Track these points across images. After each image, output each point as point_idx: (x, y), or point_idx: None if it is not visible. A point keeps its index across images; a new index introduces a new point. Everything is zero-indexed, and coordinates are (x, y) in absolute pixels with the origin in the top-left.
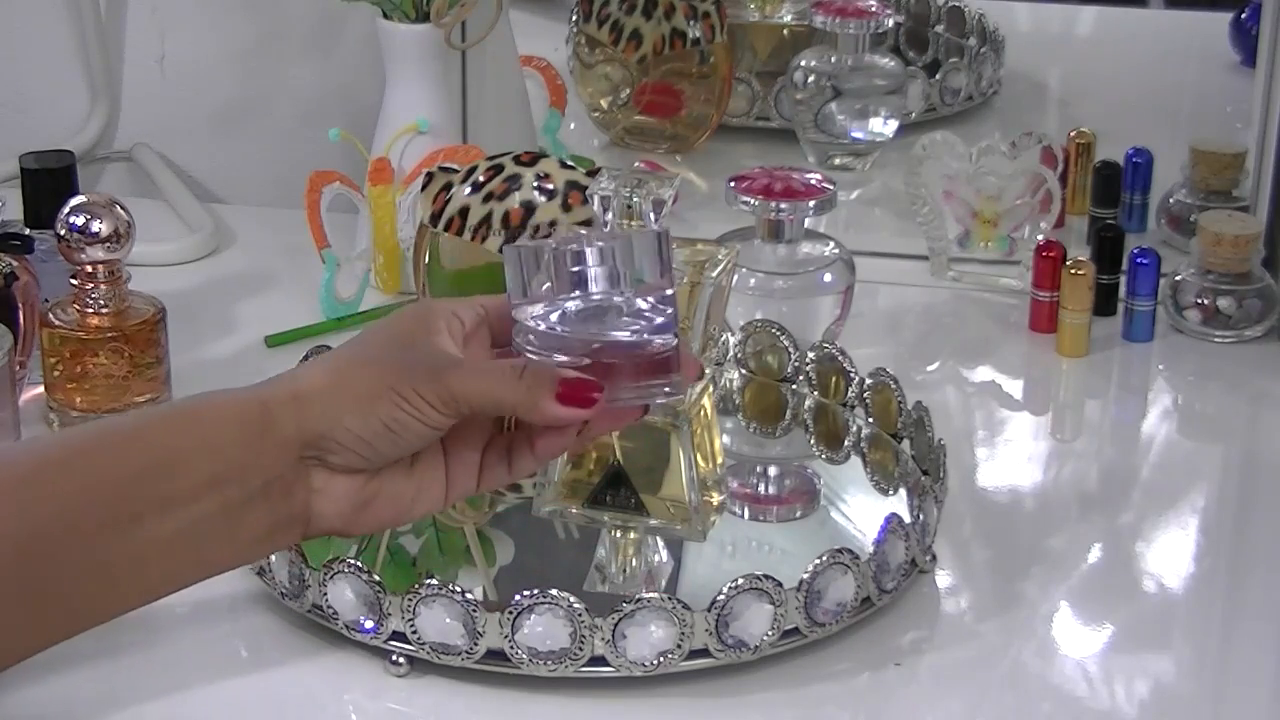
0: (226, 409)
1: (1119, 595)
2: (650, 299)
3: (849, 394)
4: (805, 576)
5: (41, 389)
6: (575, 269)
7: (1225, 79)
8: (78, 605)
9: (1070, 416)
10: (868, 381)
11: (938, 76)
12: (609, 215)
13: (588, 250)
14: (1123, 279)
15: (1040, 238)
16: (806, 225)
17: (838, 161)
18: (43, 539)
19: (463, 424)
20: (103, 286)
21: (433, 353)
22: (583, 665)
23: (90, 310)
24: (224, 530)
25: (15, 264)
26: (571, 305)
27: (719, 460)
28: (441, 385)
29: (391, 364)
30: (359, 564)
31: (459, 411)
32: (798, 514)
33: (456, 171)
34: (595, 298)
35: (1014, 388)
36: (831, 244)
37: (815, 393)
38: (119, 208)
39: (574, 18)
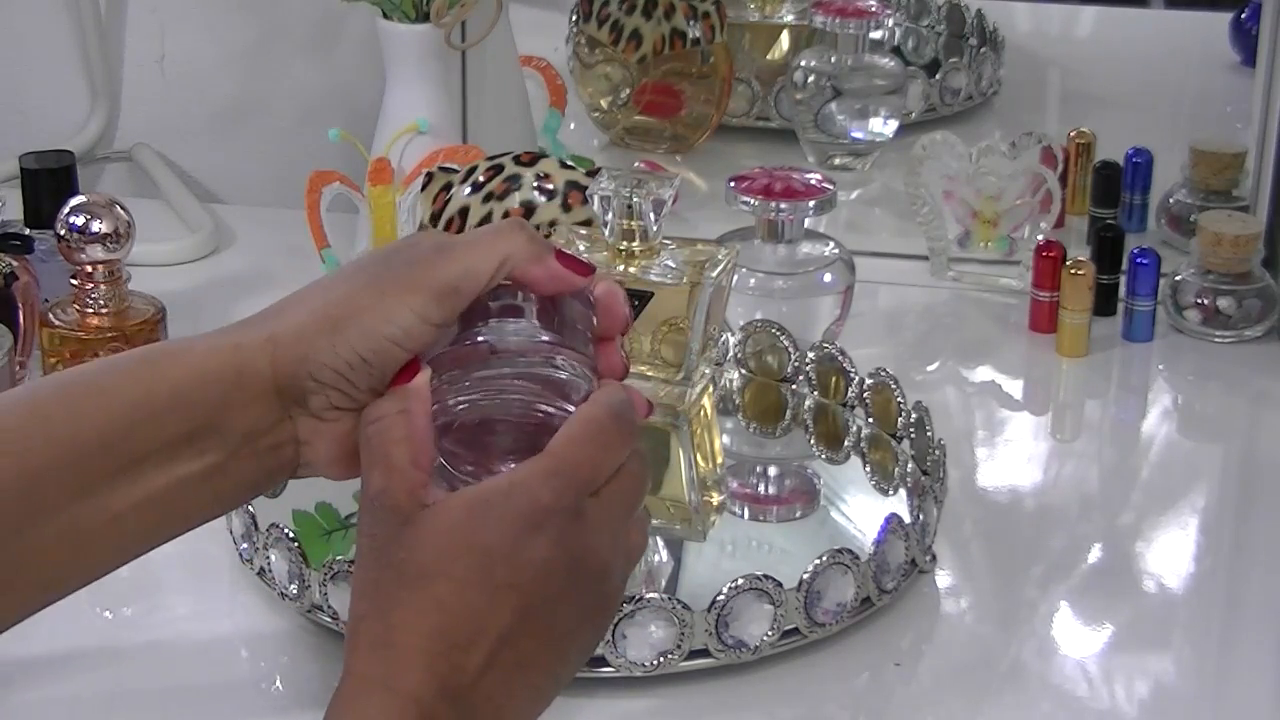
0: (199, 358)
1: (1119, 595)
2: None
3: (849, 394)
4: (805, 576)
5: None
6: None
7: (1225, 79)
8: (49, 573)
9: (1070, 416)
10: (868, 381)
11: (938, 76)
12: (609, 215)
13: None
14: (1123, 279)
15: (1040, 238)
16: (806, 225)
17: (838, 161)
18: (3, 510)
19: None
20: (103, 286)
21: (415, 252)
22: (583, 665)
23: (90, 310)
24: (205, 486)
25: (15, 264)
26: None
27: (719, 460)
28: (434, 275)
29: (365, 281)
30: None
31: (453, 307)
32: (798, 514)
33: (456, 171)
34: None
35: (1014, 388)
36: (831, 244)
37: (815, 393)
38: (119, 208)
39: (574, 18)
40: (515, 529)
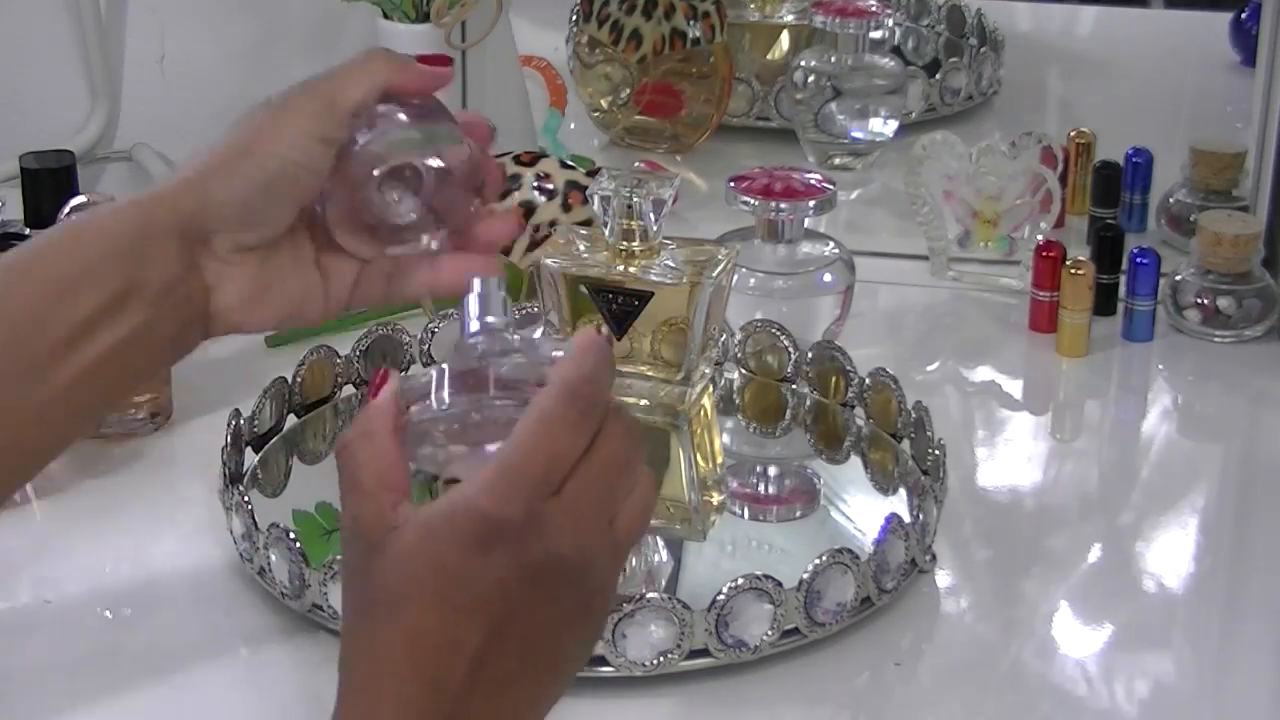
0: (107, 222)
1: (1119, 595)
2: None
3: (849, 394)
4: (805, 576)
5: None
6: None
7: (1225, 79)
8: (5, 457)
9: (1070, 416)
10: (867, 381)
11: (938, 76)
12: (609, 215)
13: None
14: (1123, 279)
15: (1040, 238)
16: (806, 225)
17: (838, 161)
18: None
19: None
20: None
21: (291, 89)
22: (584, 662)
23: None
24: (134, 349)
25: None
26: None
27: (719, 460)
28: (317, 98)
29: (250, 120)
30: None
31: (335, 122)
32: (798, 514)
33: None
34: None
35: (1014, 388)
36: (831, 244)
37: (815, 393)
38: None
39: (574, 18)
40: (463, 549)
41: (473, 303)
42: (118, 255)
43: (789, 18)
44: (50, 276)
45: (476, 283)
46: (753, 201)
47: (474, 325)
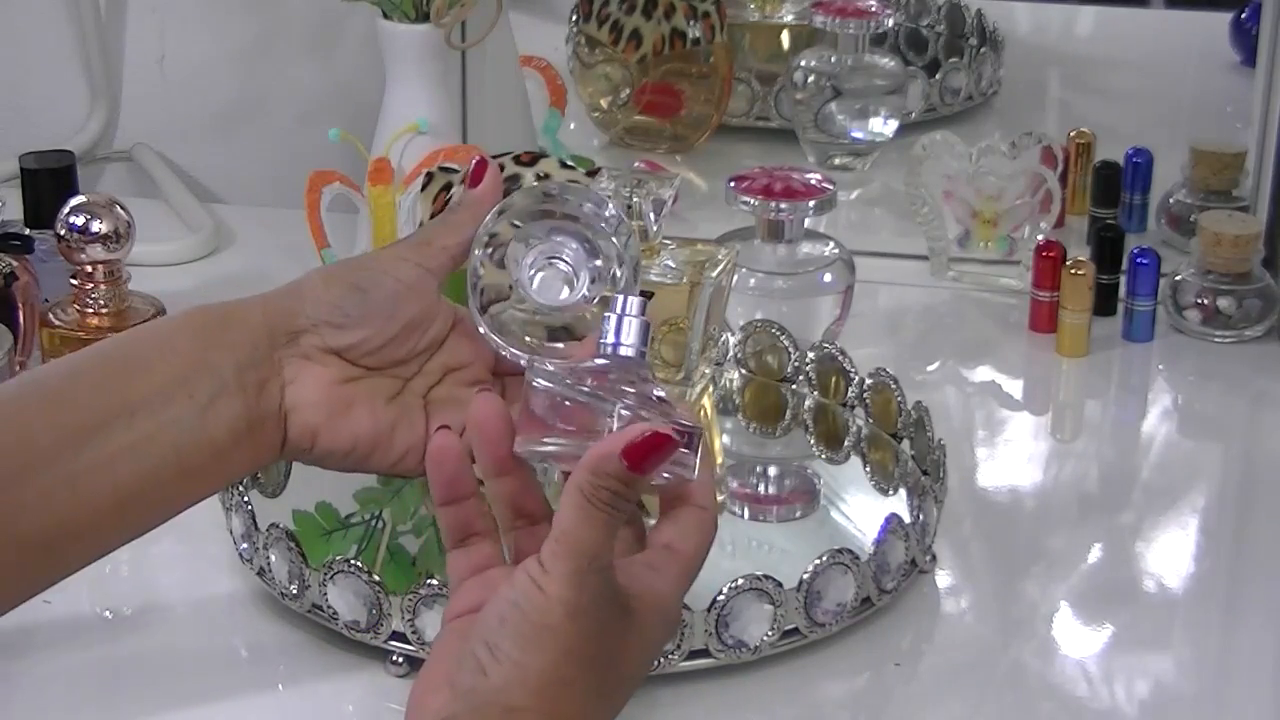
0: (184, 316)
1: (1119, 595)
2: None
3: (849, 394)
4: (805, 576)
5: None
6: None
7: (1225, 79)
8: (47, 525)
9: (1070, 416)
10: (868, 381)
11: (938, 76)
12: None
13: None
14: (1123, 279)
15: (1040, 238)
16: (806, 225)
17: (838, 161)
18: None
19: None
20: (102, 286)
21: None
22: None
23: (90, 310)
24: (197, 426)
25: (15, 264)
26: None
27: (719, 460)
28: (419, 240)
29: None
30: (359, 564)
31: (436, 259)
32: (798, 514)
33: (456, 171)
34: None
35: (1014, 388)
36: (831, 244)
37: (815, 393)
38: (119, 208)
39: (574, 18)
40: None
41: (610, 324)
42: (193, 342)
43: (789, 18)
44: (116, 355)
45: (618, 301)
46: (753, 201)
47: (606, 347)
